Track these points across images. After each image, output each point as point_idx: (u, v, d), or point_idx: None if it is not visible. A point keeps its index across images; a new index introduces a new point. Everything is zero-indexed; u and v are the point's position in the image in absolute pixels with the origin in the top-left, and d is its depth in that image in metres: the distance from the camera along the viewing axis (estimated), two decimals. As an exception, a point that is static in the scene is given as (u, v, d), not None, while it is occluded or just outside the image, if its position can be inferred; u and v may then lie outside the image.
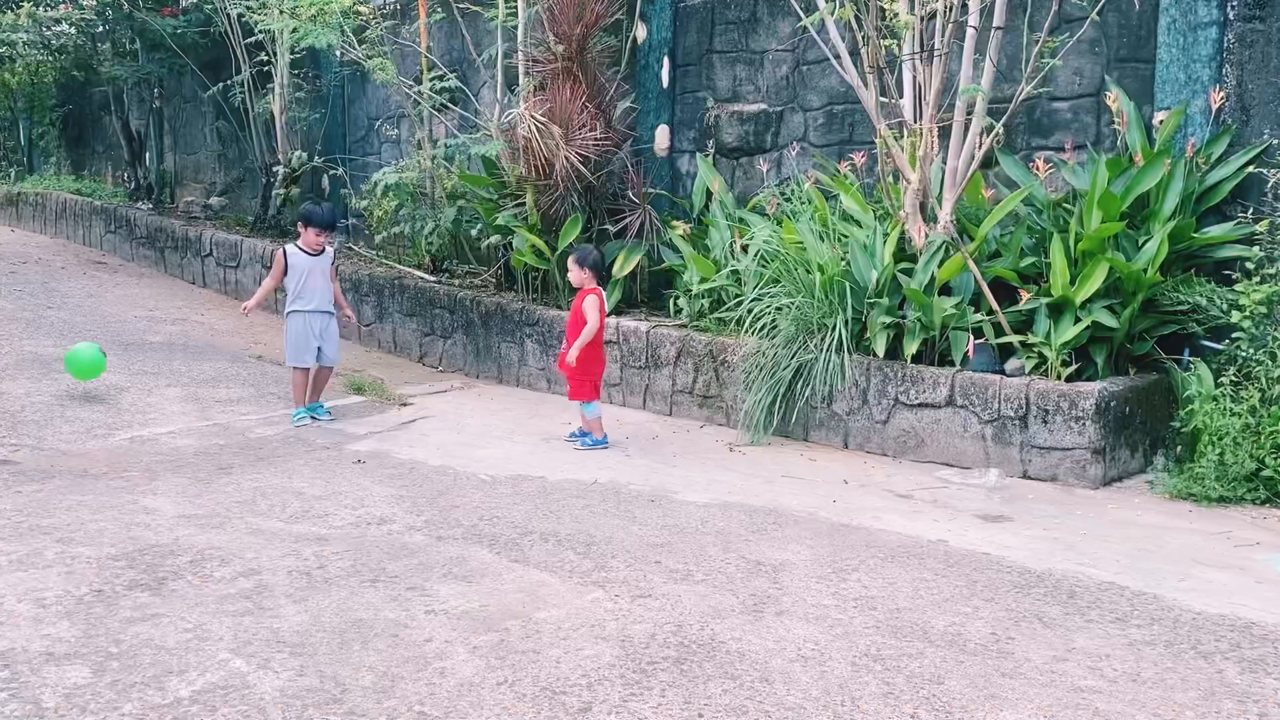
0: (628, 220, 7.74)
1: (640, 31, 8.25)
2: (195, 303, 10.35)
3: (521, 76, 8.21)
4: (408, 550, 4.26)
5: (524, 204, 7.78)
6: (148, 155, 13.62)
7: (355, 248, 10.34)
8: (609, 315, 7.50)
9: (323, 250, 6.66)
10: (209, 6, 10.95)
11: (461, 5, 8.88)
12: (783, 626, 3.53)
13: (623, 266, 7.57)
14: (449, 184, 8.71)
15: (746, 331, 6.47)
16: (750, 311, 6.48)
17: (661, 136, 8.31)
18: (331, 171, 10.83)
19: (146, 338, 8.64)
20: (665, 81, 8.26)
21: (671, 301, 7.44)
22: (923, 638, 3.46)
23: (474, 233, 8.37)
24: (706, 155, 8.03)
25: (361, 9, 9.01)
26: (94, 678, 3.09)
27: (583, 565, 4.11)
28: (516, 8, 8.23)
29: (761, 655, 3.30)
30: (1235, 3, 5.79)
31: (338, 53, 9.26)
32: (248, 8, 9.88)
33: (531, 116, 7.39)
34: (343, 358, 8.51)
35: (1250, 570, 4.15)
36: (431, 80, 8.84)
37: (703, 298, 7.14)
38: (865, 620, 3.59)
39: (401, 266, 9.25)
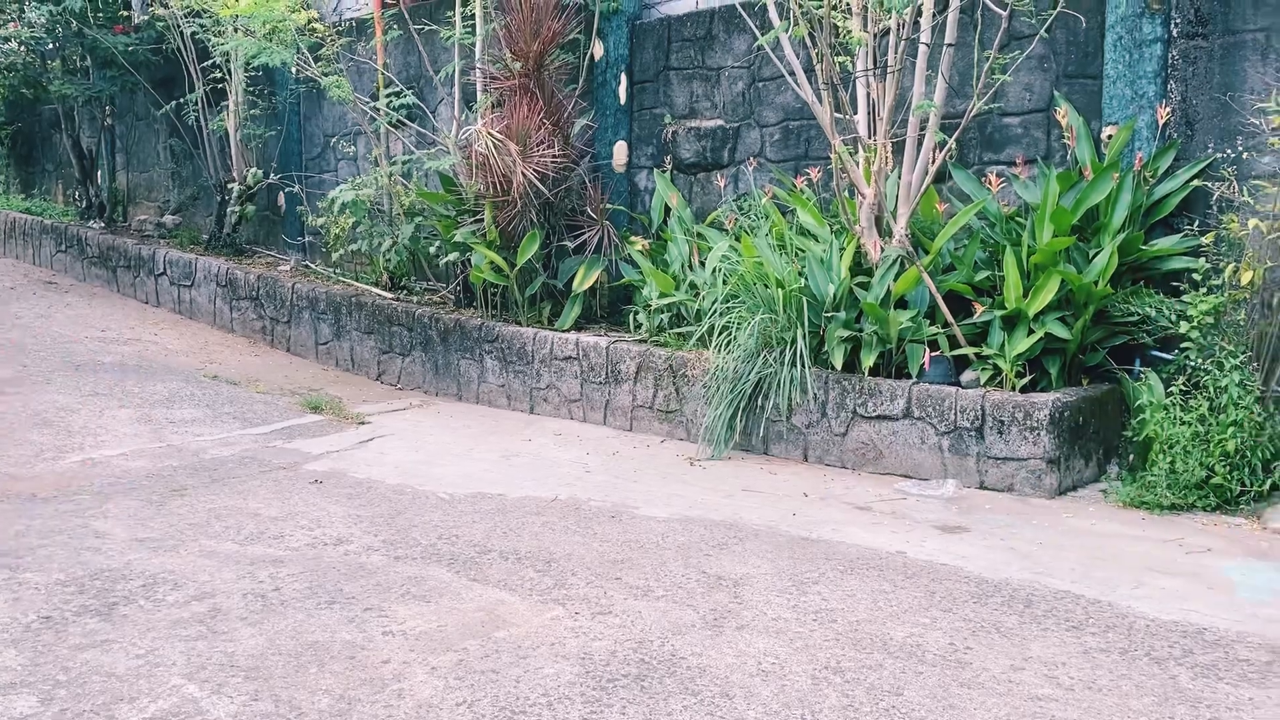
0: (586, 236, 7.75)
1: (597, 49, 8.27)
2: (148, 322, 10.19)
3: (479, 93, 8.21)
4: (365, 570, 4.21)
5: (482, 220, 7.76)
6: (99, 173, 13.42)
7: (312, 265, 10.25)
8: (568, 330, 7.50)
9: None
10: (161, 24, 10.83)
11: (418, 24, 8.86)
12: (743, 641, 3.53)
13: (582, 282, 7.57)
14: (407, 201, 8.67)
15: (707, 346, 6.49)
16: (710, 326, 6.50)
17: (619, 153, 8.33)
18: (288, 189, 10.74)
19: (98, 358, 8.49)
20: (623, 98, 8.29)
21: (631, 317, 7.45)
22: (882, 649, 3.47)
23: (432, 249, 8.33)
24: (664, 171, 8.06)
25: (317, 26, 8.96)
26: (41, 707, 3.01)
27: (543, 583, 4.08)
28: (474, 25, 8.23)
29: (722, 670, 3.30)
30: (1179, 20, 5.92)
31: (293, 70, 9.21)
32: (201, 26, 9.78)
33: (489, 133, 7.38)
34: (299, 376, 8.43)
35: (1202, 577, 4.21)
36: (388, 97, 8.80)
37: (662, 313, 7.16)
38: (825, 633, 3.60)
39: (359, 284, 9.18)
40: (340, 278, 9.53)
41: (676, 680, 3.23)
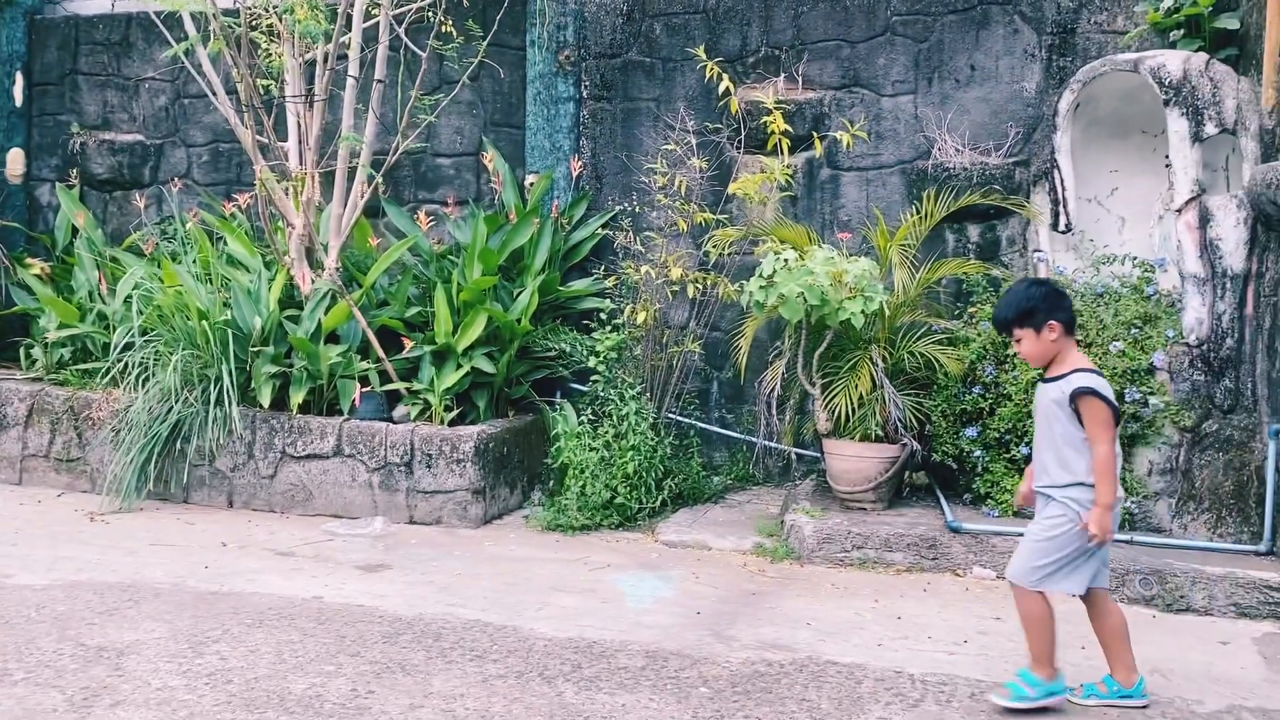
0: (-34, 256, 6.59)
1: (-15, 39, 7.12)
2: None
3: None
4: None
5: None
6: None
7: None
8: (-61, 368, 6.29)
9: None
10: None
11: None
12: (114, 720, 3.11)
13: (-42, 310, 6.40)
14: None
15: (119, 385, 5.79)
16: (121, 362, 5.82)
17: (15, 161, 7.22)
18: None
19: None
20: (19, 100, 7.21)
21: (24, 351, 6.44)
22: (279, 706, 3.25)
23: None
24: (71, 186, 7.14)
25: None
26: None
27: None
28: None
29: (80, 760, 2.86)
30: (588, 84, 6.51)
31: None
32: None
33: None
34: None
35: (599, 591, 4.55)
36: None
37: (63, 346, 6.28)
38: (217, 697, 3.30)
39: None
40: None
41: (19, 782, 2.73)
